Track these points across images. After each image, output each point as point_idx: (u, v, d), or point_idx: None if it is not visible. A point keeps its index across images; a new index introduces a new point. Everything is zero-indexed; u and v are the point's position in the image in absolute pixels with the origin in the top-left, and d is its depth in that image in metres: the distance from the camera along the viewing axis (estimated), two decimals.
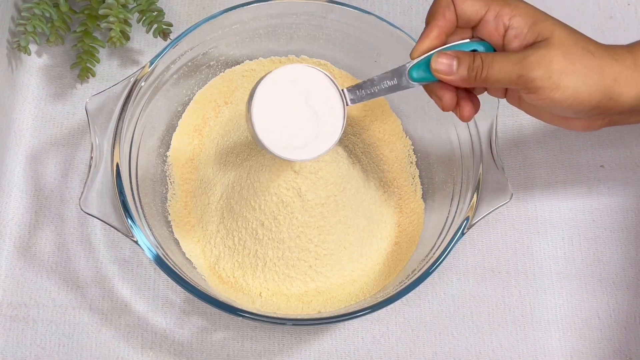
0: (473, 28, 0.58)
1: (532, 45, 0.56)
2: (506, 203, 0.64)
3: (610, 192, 0.76)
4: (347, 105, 0.59)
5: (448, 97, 0.58)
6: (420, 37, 0.58)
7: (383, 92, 0.59)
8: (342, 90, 0.59)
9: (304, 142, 0.59)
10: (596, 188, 0.76)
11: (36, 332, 0.69)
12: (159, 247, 0.63)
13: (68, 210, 0.72)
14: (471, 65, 0.56)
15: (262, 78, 0.59)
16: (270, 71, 0.59)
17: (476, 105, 0.59)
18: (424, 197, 0.72)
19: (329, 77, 0.59)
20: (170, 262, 0.63)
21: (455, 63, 0.56)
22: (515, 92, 0.59)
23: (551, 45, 0.55)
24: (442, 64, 0.56)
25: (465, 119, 0.59)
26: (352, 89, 0.59)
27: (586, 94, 0.55)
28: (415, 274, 0.63)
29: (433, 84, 0.58)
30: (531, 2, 0.82)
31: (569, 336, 0.71)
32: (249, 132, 0.60)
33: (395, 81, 0.58)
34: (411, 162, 0.74)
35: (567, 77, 0.54)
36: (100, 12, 0.73)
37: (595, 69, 0.55)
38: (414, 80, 0.58)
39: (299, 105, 0.59)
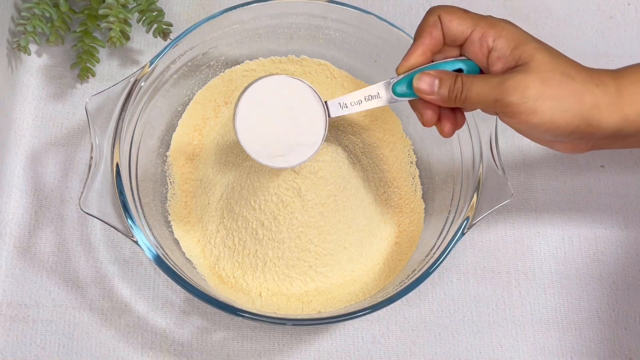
0: (460, 46, 0.59)
1: (512, 69, 0.56)
2: (506, 203, 0.64)
3: (610, 192, 0.76)
4: (329, 117, 0.60)
5: (429, 114, 0.59)
6: (406, 54, 0.59)
7: (366, 105, 0.60)
8: (325, 102, 0.60)
9: (284, 151, 0.60)
10: (596, 188, 0.76)
11: (36, 332, 0.68)
12: (159, 247, 0.63)
13: (68, 210, 0.72)
14: (452, 87, 0.56)
15: (247, 86, 0.60)
16: (255, 80, 0.60)
17: (459, 122, 0.60)
18: (424, 197, 0.72)
19: (312, 89, 0.60)
20: (170, 262, 0.63)
21: (437, 83, 0.57)
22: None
23: (529, 70, 0.55)
24: (424, 83, 0.57)
25: (445, 135, 0.59)
26: (335, 102, 0.60)
27: (563, 119, 0.54)
28: (415, 274, 0.63)
29: (416, 100, 0.59)
30: (532, 4, 0.82)
31: (569, 336, 0.71)
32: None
33: (378, 96, 0.59)
34: (411, 162, 0.73)
35: (543, 102, 0.54)
36: (100, 12, 0.73)
37: (573, 95, 0.55)
38: (397, 95, 0.59)
39: (282, 115, 0.60)
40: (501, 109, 0.55)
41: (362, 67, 0.74)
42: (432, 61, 0.59)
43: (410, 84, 0.58)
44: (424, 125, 0.59)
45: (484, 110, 0.57)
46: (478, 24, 0.57)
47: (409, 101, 0.60)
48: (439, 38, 0.58)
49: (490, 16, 0.59)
